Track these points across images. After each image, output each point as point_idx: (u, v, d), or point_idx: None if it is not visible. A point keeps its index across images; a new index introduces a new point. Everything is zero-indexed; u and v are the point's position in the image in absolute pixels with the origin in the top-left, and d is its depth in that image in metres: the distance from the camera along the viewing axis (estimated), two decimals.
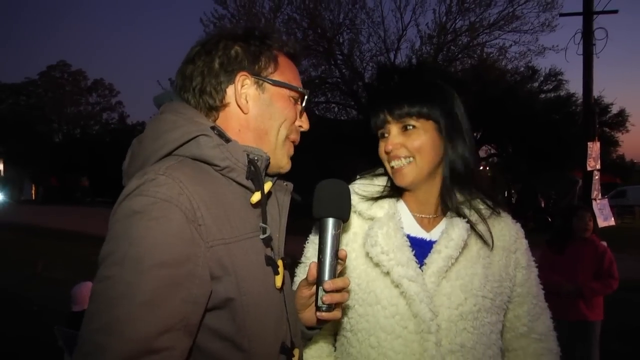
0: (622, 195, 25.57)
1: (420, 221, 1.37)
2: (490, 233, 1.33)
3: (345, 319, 1.33)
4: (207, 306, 0.95)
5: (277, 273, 1.07)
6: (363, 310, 1.29)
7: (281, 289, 1.09)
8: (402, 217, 1.35)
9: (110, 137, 42.23)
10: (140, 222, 0.89)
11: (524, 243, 1.40)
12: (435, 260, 1.27)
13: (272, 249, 1.09)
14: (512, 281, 1.35)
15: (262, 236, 1.06)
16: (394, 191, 1.39)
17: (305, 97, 1.21)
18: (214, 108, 1.12)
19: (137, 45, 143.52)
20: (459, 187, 1.35)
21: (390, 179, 1.39)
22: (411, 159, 1.30)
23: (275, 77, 1.14)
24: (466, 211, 1.34)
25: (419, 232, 1.35)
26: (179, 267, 0.89)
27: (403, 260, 1.25)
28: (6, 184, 36.88)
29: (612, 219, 6.89)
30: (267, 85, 1.13)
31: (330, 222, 1.09)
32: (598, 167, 7.30)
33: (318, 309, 1.08)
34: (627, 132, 21.40)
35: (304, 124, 1.22)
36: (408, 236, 1.32)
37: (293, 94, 1.17)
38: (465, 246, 1.29)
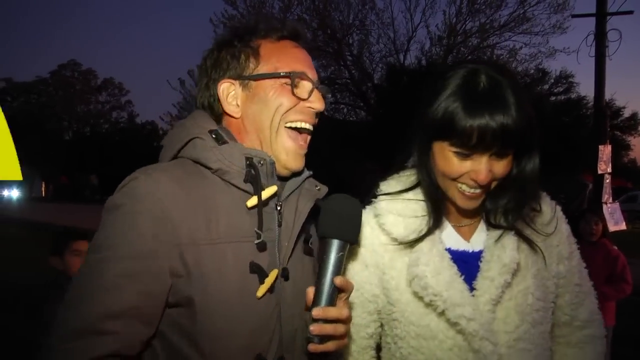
0: (634, 200, 25.03)
1: (459, 230, 1.28)
2: (533, 243, 1.23)
3: (394, 347, 1.25)
4: (169, 300, 0.99)
5: (261, 282, 1.02)
6: (417, 343, 1.20)
7: (271, 298, 1.04)
8: (442, 231, 1.25)
9: (119, 135, 42.63)
10: (115, 216, 0.99)
11: (564, 230, 1.30)
12: (488, 288, 1.17)
13: (270, 256, 1.05)
14: (556, 276, 1.27)
15: (256, 241, 1.04)
16: (434, 211, 1.24)
17: (298, 75, 1.10)
18: (218, 117, 1.17)
19: (147, 44, 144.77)
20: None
21: (427, 193, 1.24)
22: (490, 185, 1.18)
23: (260, 70, 1.11)
24: (509, 216, 1.23)
25: (460, 244, 1.26)
26: (139, 261, 0.96)
27: (457, 299, 1.15)
28: (22, 181, 37.45)
29: (623, 223, 6.81)
30: (251, 83, 1.11)
31: (335, 244, 0.97)
32: (609, 170, 7.23)
33: (307, 337, 0.97)
34: (639, 136, 21.21)
35: (313, 103, 1.12)
36: (449, 250, 1.23)
37: (283, 79, 1.10)
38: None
